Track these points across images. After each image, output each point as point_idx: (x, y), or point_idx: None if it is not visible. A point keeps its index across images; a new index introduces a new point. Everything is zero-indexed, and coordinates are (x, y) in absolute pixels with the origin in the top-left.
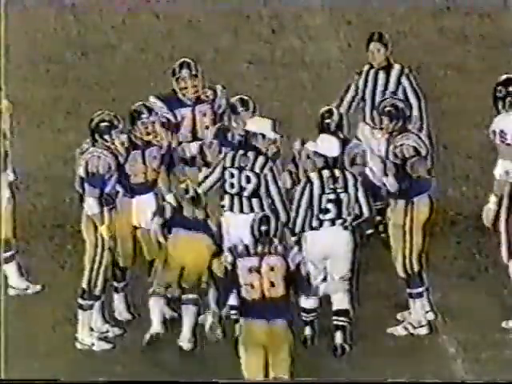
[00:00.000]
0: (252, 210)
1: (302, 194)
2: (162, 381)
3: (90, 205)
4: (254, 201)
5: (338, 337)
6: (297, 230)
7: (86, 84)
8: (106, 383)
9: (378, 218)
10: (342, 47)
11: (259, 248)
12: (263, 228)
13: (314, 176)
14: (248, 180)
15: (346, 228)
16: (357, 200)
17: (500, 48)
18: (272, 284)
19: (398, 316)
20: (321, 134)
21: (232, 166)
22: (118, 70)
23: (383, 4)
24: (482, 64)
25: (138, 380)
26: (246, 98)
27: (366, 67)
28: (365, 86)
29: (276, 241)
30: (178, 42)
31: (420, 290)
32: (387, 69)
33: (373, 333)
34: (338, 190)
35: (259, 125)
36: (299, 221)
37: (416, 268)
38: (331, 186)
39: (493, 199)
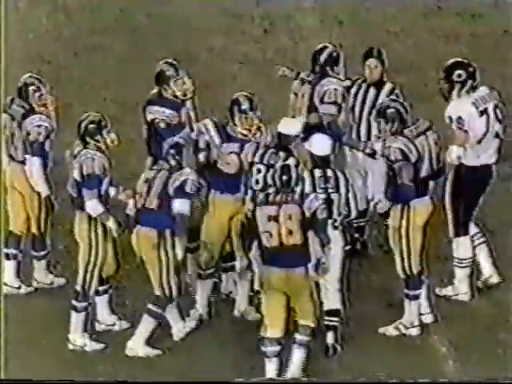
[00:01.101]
0: None
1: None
2: (159, 381)
3: (93, 207)
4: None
5: (330, 337)
6: None
7: (78, 84)
8: (104, 383)
9: (356, 235)
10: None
11: (278, 197)
12: (284, 177)
13: (305, 175)
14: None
15: (335, 228)
16: (347, 201)
17: (491, 48)
18: (290, 232)
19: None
20: (314, 134)
21: (260, 162)
22: (110, 71)
23: (375, 4)
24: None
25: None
26: (249, 95)
27: (360, 80)
28: (355, 98)
29: (297, 189)
30: (171, 42)
31: (417, 292)
32: (379, 85)
33: (364, 333)
34: (330, 190)
35: (291, 126)
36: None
37: (415, 270)
38: (322, 186)
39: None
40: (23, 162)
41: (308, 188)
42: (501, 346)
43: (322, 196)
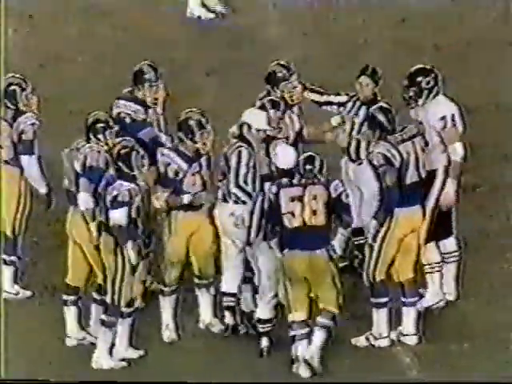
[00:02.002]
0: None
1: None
2: (163, 381)
3: (85, 200)
4: None
5: (264, 341)
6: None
7: (43, 96)
8: (102, 383)
9: (356, 252)
10: (299, 59)
11: (303, 180)
12: (308, 167)
13: (267, 184)
14: None
15: (272, 235)
16: None
17: (454, 60)
18: (314, 212)
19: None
20: (278, 145)
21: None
22: (75, 82)
23: (340, 16)
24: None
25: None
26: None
27: (355, 97)
28: (348, 115)
29: (320, 176)
30: (135, 53)
31: (383, 300)
32: (371, 104)
33: (337, 344)
34: None
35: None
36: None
37: (378, 278)
38: None
39: (454, 182)
40: (9, 163)
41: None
42: (465, 356)
43: None
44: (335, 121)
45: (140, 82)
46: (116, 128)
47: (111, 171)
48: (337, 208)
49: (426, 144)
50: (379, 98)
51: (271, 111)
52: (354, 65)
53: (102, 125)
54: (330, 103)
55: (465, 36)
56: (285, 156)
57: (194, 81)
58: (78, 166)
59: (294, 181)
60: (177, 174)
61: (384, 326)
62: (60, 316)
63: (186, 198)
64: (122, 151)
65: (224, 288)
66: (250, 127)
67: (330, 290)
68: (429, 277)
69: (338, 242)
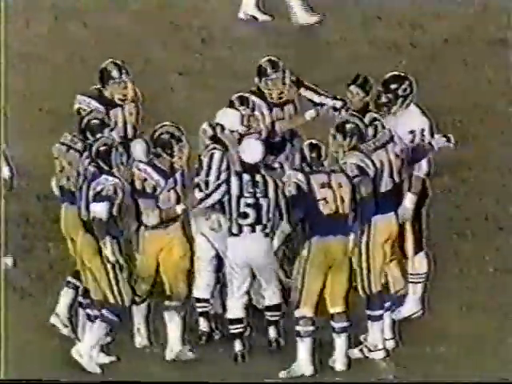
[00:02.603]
0: None
1: (217, 188)
2: (162, 381)
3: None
4: None
5: (272, 331)
6: (201, 206)
7: (12, 94)
8: (104, 383)
9: None
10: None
11: (320, 166)
12: (313, 155)
13: (233, 179)
14: None
15: (267, 235)
16: (277, 206)
17: (432, 58)
18: (342, 200)
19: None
20: (245, 139)
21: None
22: (45, 81)
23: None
24: (414, 75)
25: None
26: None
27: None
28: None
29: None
30: (107, 51)
31: (378, 312)
32: (361, 114)
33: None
34: (258, 195)
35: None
36: (209, 200)
37: (374, 289)
38: (250, 190)
39: (412, 197)
40: None
41: (235, 191)
42: (441, 360)
43: (250, 201)
44: (309, 115)
45: (106, 80)
46: (112, 125)
47: (91, 168)
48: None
49: (401, 150)
50: (370, 108)
51: (240, 108)
52: (328, 64)
53: (98, 122)
54: (323, 105)
55: (442, 34)
56: (251, 150)
57: (167, 80)
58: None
59: (315, 168)
60: (155, 189)
61: (379, 338)
62: None
63: (179, 208)
64: (102, 148)
65: (196, 294)
66: (223, 128)
67: (342, 285)
68: (411, 286)
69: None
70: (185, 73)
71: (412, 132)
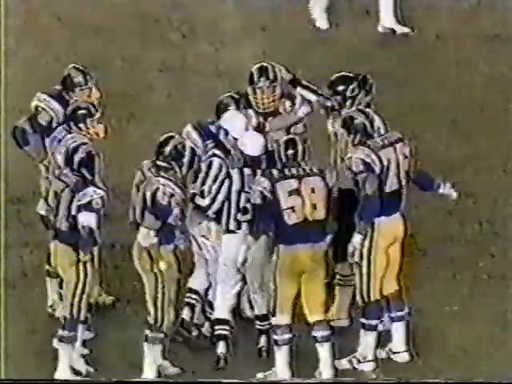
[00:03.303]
0: None
1: (221, 186)
2: (164, 381)
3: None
4: None
5: (262, 341)
6: (210, 213)
7: None
8: (103, 383)
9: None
10: (257, 54)
11: (294, 171)
12: (290, 152)
13: (234, 172)
14: None
15: (264, 233)
16: None
17: (424, 54)
18: (314, 206)
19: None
20: (247, 132)
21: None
22: (16, 76)
23: (299, 8)
24: (405, 69)
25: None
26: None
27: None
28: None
29: (304, 164)
30: (82, 47)
31: (374, 322)
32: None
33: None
34: None
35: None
36: (215, 205)
37: (373, 297)
38: (251, 185)
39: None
40: None
41: (236, 186)
42: (433, 369)
43: None
44: (303, 112)
45: (69, 86)
46: (98, 115)
47: (70, 173)
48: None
49: (411, 152)
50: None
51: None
52: (315, 61)
53: (83, 112)
54: (321, 105)
55: (434, 29)
56: (253, 142)
57: (146, 78)
58: (60, 160)
59: (286, 172)
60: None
61: (371, 349)
62: None
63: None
64: (84, 156)
65: (190, 284)
66: (227, 133)
67: (319, 295)
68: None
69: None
70: (165, 70)
71: None
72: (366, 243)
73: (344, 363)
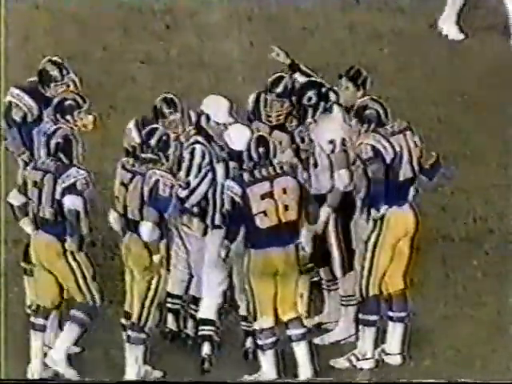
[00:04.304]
0: None
1: (202, 179)
2: (163, 381)
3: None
4: None
5: (248, 342)
6: (187, 205)
7: None
8: (102, 383)
9: None
10: (244, 46)
11: (265, 172)
12: (261, 150)
13: (219, 166)
14: None
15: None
16: None
17: (415, 45)
18: (286, 207)
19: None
20: (232, 125)
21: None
22: None
23: None
24: (396, 63)
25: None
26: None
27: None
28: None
29: (275, 161)
30: (62, 37)
31: (373, 318)
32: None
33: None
34: None
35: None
36: (193, 198)
37: (371, 292)
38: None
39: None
40: None
41: (221, 179)
42: (428, 372)
43: None
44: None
45: (45, 81)
46: (86, 106)
47: (47, 160)
48: (308, 200)
49: (421, 140)
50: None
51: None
52: (304, 52)
53: (70, 103)
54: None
55: (426, 19)
56: (238, 136)
57: (128, 70)
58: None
59: (257, 175)
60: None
61: (370, 346)
62: None
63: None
64: (60, 140)
65: (170, 289)
66: (208, 118)
67: (292, 294)
68: (343, 309)
69: (305, 238)
70: (147, 62)
71: (332, 142)
72: (373, 237)
73: (342, 361)
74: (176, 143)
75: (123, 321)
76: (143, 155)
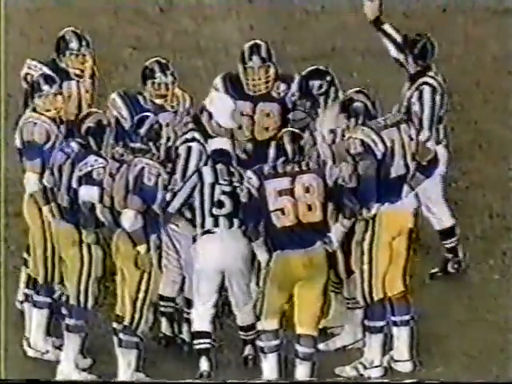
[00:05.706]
0: None
1: (186, 181)
2: (163, 381)
3: (29, 181)
4: None
5: (247, 349)
6: (170, 209)
7: None
8: (102, 383)
9: (449, 256)
10: (243, 30)
11: (288, 168)
12: (296, 145)
13: (204, 167)
14: None
15: (245, 234)
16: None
17: (428, 30)
18: (309, 207)
19: None
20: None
21: None
22: None
23: None
24: None
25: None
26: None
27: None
28: None
29: (307, 159)
30: (48, 22)
31: (379, 323)
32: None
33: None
34: (235, 184)
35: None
36: (175, 202)
37: (376, 296)
38: (226, 178)
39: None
40: None
41: (208, 178)
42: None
43: (226, 188)
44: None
45: (62, 50)
46: (56, 85)
47: (73, 143)
48: (335, 197)
49: (418, 133)
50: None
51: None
52: (308, 37)
53: (36, 86)
54: None
55: (439, 2)
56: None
57: (119, 55)
58: (17, 142)
59: (279, 169)
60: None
61: (377, 353)
62: None
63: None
64: (92, 125)
65: (162, 291)
66: (211, 117)
67: (314, 305)
68: (349, 313)
69: (335, 235)
70: (140, 47)
71: (332, 131)
72: (367, 237)
73: (349, 370)
74: (168, 130)
75: (115, 325)
76: (132, 144)
